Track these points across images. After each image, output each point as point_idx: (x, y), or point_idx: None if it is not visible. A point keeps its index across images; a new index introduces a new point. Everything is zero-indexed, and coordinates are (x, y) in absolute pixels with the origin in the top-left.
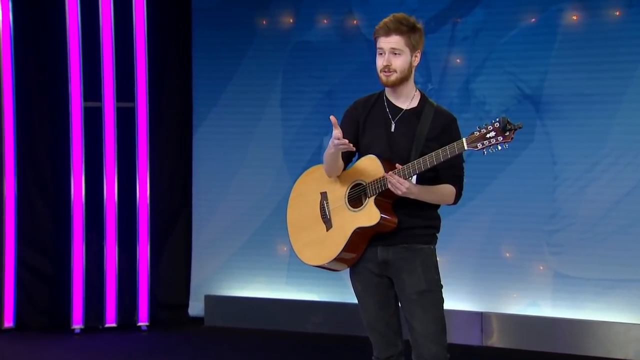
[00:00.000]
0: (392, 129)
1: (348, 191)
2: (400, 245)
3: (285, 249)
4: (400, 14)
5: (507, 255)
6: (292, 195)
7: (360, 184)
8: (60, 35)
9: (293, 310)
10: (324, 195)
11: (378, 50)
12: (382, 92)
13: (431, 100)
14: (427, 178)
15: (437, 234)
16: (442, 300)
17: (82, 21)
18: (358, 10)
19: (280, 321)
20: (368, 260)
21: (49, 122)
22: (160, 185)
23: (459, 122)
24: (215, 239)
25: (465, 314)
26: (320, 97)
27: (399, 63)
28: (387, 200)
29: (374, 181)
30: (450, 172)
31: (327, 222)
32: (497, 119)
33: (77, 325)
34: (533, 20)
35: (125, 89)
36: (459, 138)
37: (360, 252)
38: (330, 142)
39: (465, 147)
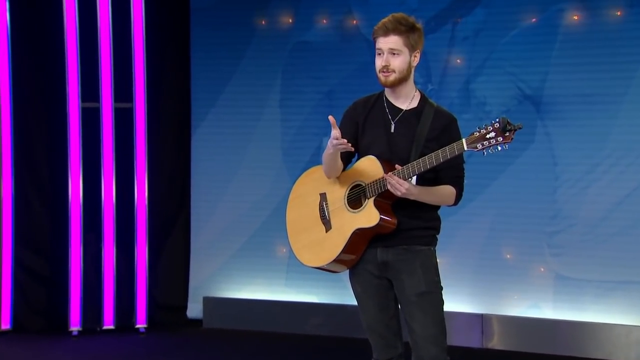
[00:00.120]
0: (392, 130)
1: (347, 192)
2: (400, 246)
3: (284, 250)
4: (399, 14)
5: (508, 256)
6: (291, 196)
7: (359, 185)
8: (57, 35)
9: (292, 312)
10: (323, 196)
11: (377, 50)
12: (382, 93)
13: (431, 100)
14: (427, 179)
15: (437, 235)
16: (442, 302)
17: (79, 21)
18: (357, 10)
19: (279, 323)
20: (367, 262)
21: (46, 123)
22: (159, 186)
23: (459, 123)
24: (213, 240)
25: (465, 315)
26: (320, 98)
27: (398, 63)
28: (387, 201)
29: (373, 182)
30: (451, 173)
31: (327, 223)
32: (497, 120)
33: (75, 327)
34: (534, 20)
35: (123, 90)
36: (459, 139)
37: (359, 253)
38: (328, 143)
39: (465, 148)
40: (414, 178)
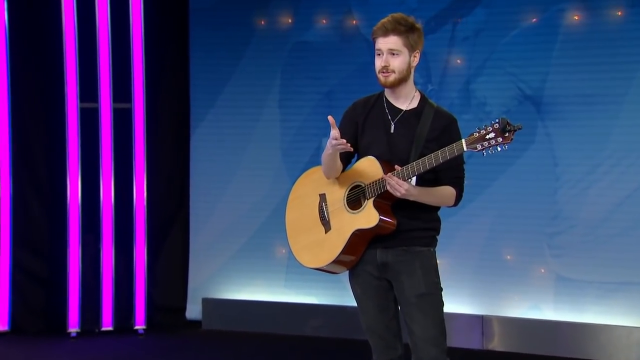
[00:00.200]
0: (392, 130)
1: (347, 193)
2: (400, 247)
3: (283, 251)
4: (398, 14)
5: (508, 257)
6: (290, 197)
7: (359, 185)
8: (56, 35)
9: (291, 313)
10: (322, 197)
11: (376, 51)
12: (382, 93)
13: (431, 101)
14: (427, 180)
15: (437, 236)
16: (442, 304)
17: (78, 21)
18: (357, 10)
19: (278, 324)
20: (367, 263)
21: (44, 123)
22: (157, 187)
23: (459, 123)
24: (212, 241)
25: (465, 317)
26: (319, 98)
27: (397, 63)
28: (386, 202)
29: (372, 183)
30: (450, 174)
31: (326, 224)
32: (497, 120)
33: (73, 328)
34: (534, 20)
35: (121, 90)
36: (459, 139)
37: (359, 254)
38: (327, 143)
39: (465, 149)
40: (414, 179)
